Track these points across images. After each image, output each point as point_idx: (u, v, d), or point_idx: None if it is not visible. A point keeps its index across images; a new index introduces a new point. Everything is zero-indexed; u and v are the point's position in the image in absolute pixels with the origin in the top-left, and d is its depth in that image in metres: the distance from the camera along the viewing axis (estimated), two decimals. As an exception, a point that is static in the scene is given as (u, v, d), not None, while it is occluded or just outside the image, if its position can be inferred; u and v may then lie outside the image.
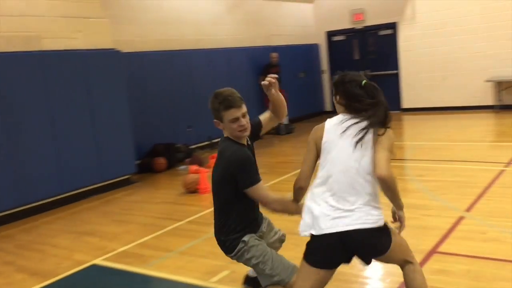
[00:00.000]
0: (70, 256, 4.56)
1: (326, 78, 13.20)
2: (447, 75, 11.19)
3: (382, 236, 2.35)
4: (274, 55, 10.71)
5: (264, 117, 2.95)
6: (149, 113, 8.38)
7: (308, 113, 12.40)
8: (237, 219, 2.71)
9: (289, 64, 11.53)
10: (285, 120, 10.86)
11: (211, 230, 4.86)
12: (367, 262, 2.43)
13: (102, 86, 6.93)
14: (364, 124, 2.36)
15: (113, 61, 7.11)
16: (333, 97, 2.59)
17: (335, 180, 2.34)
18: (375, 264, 3.64)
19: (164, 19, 8.92)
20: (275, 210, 2.64)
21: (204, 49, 9.58)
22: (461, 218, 4.44)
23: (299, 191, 2.56)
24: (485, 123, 9.82)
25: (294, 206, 2.62)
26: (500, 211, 4.56)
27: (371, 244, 2.33)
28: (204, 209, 5.71)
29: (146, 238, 4.84)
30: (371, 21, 12.19)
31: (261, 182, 2.62)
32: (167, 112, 8.73)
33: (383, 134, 2.36)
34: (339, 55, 12.96)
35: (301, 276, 2.42)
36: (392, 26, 11.96)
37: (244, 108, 2.66)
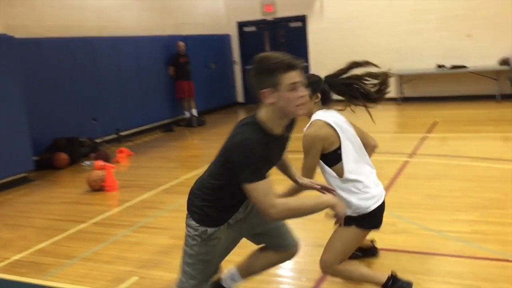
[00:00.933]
0: (-47, 268, 4.03)
1: (237, 69, 13.10)
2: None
3: None
4: (181, 43, 10.40)
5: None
6: (48, 104, 7.72)
7: (220, 105, 12.22)
8: (223, 196, 2.32)
9: (200, 54, 11.26)
10: (193, 112, 10.66)
11: (119, 231, 4.62)
12: None
13: (-8, 75, 6.25)
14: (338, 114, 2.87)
15: (3, 48, 6.42)
16: (311, 98, 2.79)
17: (360, 157, 2.80)
18: (288, 263, 3.58)
19: (63, 3, 8.25)
20: (283, 217, 2.28)
21: (108, 36, 9.03)
22: (371, 210, 4.51)
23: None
24: (387, 115, 10.26)
25: (315, 200, 2.21)
26: (408, 202, 4.72)
27: None
28: (111, 208, 5.34)
29: (44, 244, 4.40)
30: (281, 13, 12.26)
31: (264, 181, 2.09)
32: (69, 103, 8.13)
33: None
34: (250, 46, 12.88)
35: (356, 243, 2.85)
36: (302, 18, 12.12)
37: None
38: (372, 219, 2.77)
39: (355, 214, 2.73)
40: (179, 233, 4.38)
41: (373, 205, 2.73)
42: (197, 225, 2.34)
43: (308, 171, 2.72)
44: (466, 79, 10.67)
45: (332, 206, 2.22)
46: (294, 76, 2.09)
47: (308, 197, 2.29)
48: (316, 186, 2.49)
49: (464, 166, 5.85)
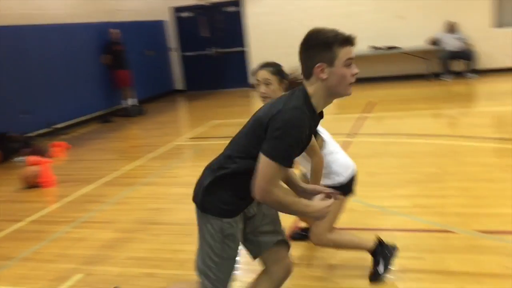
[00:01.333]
0: None
1: (175, 56, 12.84)
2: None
3: None
4: (114, 31, 10.03)
5: None
6: (-27, 99, 7.25)
7: (158, 93, 11.95)
8: (244, 180, 1.99)
9: (135, 42, 10.93)
10: (131, 101, 10.39)
11: (59, 228, 4.41)
12: None
13: None
14: None
15: None
16: (280, 86, 2.86)
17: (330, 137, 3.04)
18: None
19: (-16, -10, 7.73)
20: (268, 204, 1.99)
21: (35, 24, 8.54)
22: (316, 191, 4.58)
23: None
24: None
25: (304, 202, 2.03)
26: (350, 180, 4.82)
27: None
28: (49, 205, 5.09)
29: (-23, 246, 4.14)
30: (217, -3, 12.15)
31: (284, 169, 1.90)
32: (-5, 97, 7.66)
33: None
34: (187, 32, 12.67)
35: (339, 210, 2.96)
36: (237, 3, 12.04)
37: None
38: (349, 185, 2.99)
39: (337, 185, 2.88)
40: (124, 226, 4.28)
41: (351, 172, 2.97)
42: (214, 217, 2.09)
43: (311, 151, 2.73)
44: (399, 59, 11.04)
45: (316, 219, 2.11)
46: (350, 52, 1.95)
47: (300, 200, 2.07)
48: (325, 190, 2.18)
49: (401, 143, 6.07)
